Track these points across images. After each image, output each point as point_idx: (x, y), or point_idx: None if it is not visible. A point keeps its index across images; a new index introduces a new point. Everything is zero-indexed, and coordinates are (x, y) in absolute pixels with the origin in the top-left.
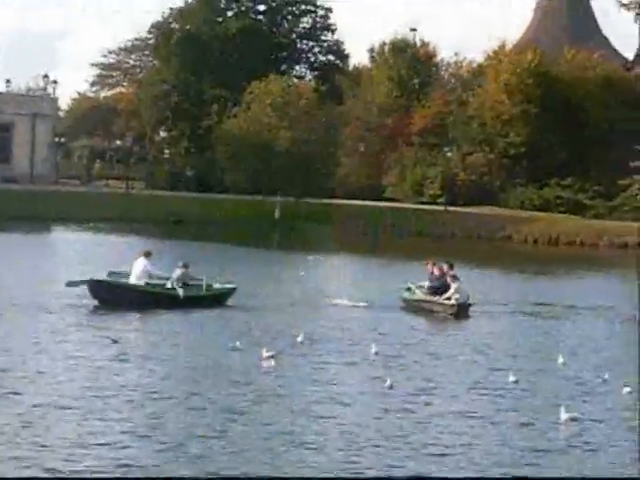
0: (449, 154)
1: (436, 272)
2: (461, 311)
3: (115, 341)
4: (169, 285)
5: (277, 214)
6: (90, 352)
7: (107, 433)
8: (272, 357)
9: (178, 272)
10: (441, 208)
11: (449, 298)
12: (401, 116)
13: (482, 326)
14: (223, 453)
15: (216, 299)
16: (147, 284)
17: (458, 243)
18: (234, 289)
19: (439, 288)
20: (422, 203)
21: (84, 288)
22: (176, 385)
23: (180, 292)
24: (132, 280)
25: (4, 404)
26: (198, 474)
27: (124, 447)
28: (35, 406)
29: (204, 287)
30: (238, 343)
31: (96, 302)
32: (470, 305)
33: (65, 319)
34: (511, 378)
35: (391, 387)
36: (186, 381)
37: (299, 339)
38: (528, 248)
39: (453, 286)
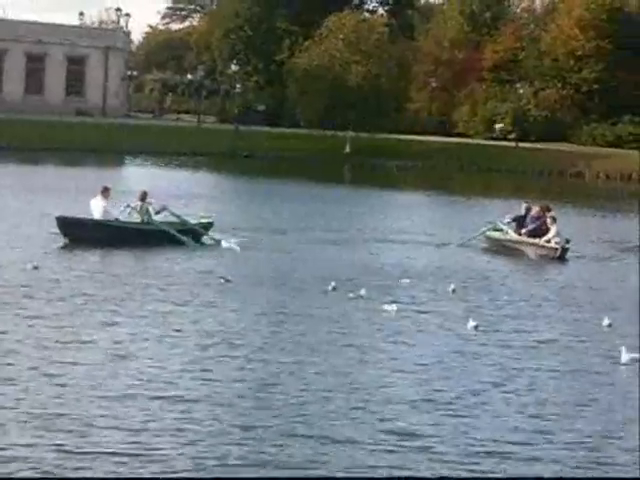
0: (521, 90)
1: (534, 213)
2: (563, 254)
3: (227, 280)
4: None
5: (347, 149)
6: (200, 293)
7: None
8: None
9: (134, 205)
10: (512, 144)
11: (548, 241)
12: (472, 51)
13: (579, 270)
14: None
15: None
16: (116, 220)
17: (529, 179)
18: (210, 225)
19: (536, 230)
20: (493, 139)
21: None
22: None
23: (187, 240)
24: (96, 217)
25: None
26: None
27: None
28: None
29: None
30: (333, 283)
31: (66, 240)
32: (568, 249)
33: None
34: (605, 322)
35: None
36: (279, 328)
37: (362, 293)
38: (600, 184)
39: (553, 228)
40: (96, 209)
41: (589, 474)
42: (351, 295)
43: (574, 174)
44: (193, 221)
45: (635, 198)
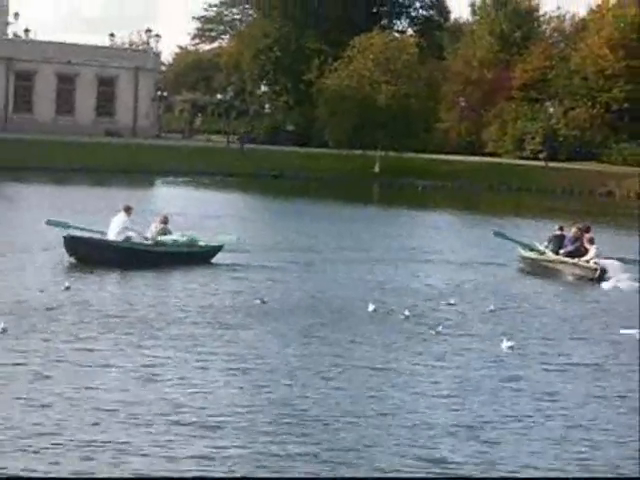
0: (550, 109)
1: (572, 234)
2: (603, 275)
3: (264, 302)
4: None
5: (377, 168)
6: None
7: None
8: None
9: (154, 227)
10: (542, 163)
11: (587, 261)
12: (502, 70)
13: (616, 290)
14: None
15: (202, 256)
16: (126, 241)
17: (559, 199)
18: (220, 247)
19: (574, 251)
20: (522, 158)
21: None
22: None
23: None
24: (110, 237)
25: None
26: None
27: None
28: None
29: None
30: (372, 305)
31: (72, 259)
32: (607, 271)
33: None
34: None
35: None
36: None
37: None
38: (631, 204)
39: (592, 249)
40: (114, 227)
41: None
42: (401, 317)
43: (604, 193)
44: (202, 243)
45: None
